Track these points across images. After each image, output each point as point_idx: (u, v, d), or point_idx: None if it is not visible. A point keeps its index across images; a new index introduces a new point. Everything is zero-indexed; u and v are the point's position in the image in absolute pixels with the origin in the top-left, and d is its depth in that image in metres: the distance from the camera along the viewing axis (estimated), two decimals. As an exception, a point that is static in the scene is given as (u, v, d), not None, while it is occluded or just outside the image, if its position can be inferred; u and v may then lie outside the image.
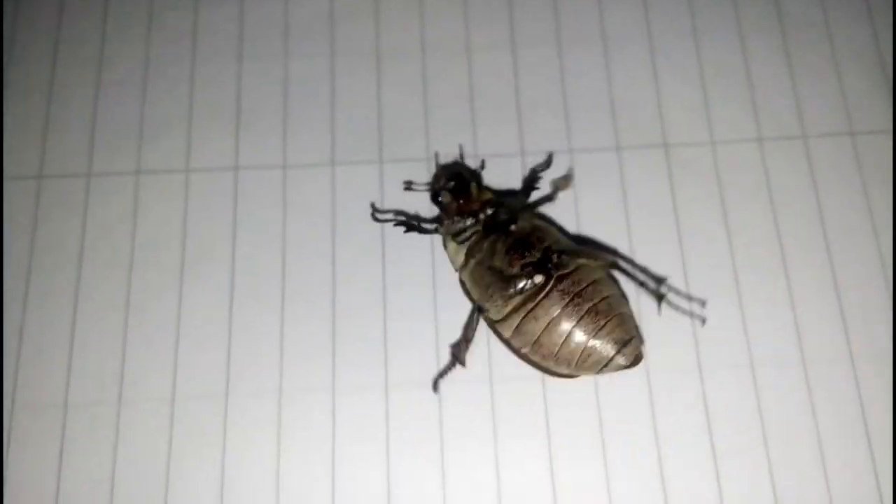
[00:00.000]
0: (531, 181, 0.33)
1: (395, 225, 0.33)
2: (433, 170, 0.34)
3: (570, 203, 0.34)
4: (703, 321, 0.32)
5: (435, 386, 0.31)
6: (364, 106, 0.36)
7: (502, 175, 0.34)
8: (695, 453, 0.31)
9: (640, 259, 0.33)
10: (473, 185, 0.32)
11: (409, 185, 0.34)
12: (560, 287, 0.29)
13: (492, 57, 0.37)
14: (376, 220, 0.34)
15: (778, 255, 0.33)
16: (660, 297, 0.32)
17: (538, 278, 0.29)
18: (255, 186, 0.35)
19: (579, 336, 0.29)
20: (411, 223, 0.33)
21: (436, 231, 0.32)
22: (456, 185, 0.32)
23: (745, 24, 0.37)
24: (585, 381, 0.31)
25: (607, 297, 0.29)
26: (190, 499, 0.30)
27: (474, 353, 0.31)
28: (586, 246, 0.32)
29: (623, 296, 0.31)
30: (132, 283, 0.33)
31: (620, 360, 0.29)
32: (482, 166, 0.34)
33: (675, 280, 0.33)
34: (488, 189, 0.33)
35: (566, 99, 0.36)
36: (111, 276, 0.33)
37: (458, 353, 0.31)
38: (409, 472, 0.31)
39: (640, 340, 0.30)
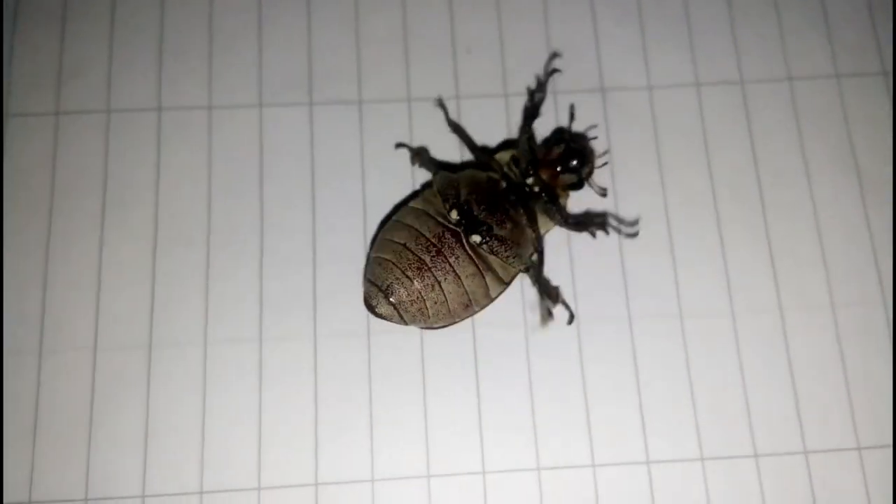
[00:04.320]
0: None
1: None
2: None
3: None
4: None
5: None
6: (293, 44, 0.35)
7: (434, 118, 0.34)
8: (622, 400, 0.31)
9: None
10: (565, 177, 0.31)
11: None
12: (448, 237, 0.29)
13: (427, -6, 0.36)
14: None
15: (710, 203, 0.33)
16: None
17: (454, 214, 0.29)
18: (179, 128, 0.33)
19: (397, 256, 0.29)
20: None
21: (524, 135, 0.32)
22: (572, 165, 0.31)
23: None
24: (514, 331, 0.31)
25: (444, 291, 0.29)
26: (113, 449, 0.30)
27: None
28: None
29: (450, 312, 0.29)
30: (52, 230, 0.32)
31: (375, 296, 0.29)
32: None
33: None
34: (567, 184, 0.31)
35: (503, 42, 0.35)
36: (30, 222, 0.32)
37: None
38: (335, 425, 0.30)
39: (396, 307, 0.29)
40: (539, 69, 0.34)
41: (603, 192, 0.31)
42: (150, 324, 0.31)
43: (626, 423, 0.31)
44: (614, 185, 0.33)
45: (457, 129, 0.33)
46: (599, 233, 0.32)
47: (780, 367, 0.31)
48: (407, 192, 0.33)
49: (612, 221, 0.33)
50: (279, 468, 0.30)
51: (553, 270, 0.32)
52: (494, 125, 0.34)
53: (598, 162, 0.32)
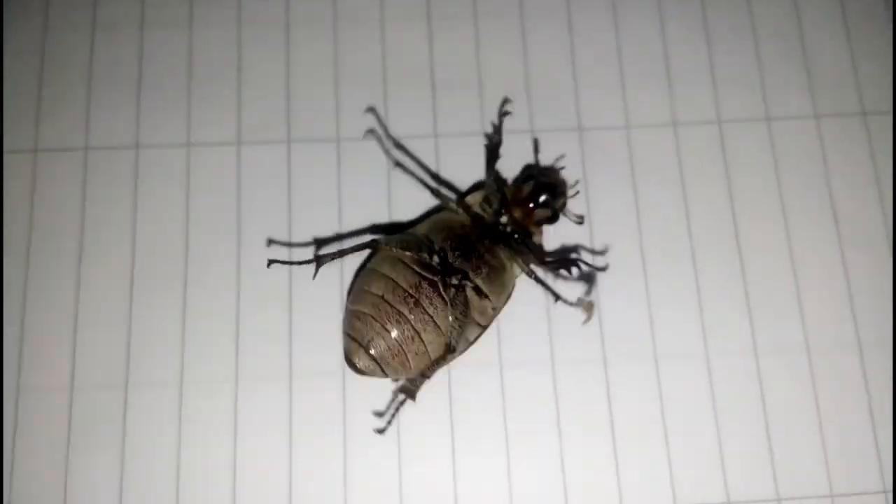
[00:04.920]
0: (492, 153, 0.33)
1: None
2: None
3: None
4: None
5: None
6: (272, 82, 0.35)
7: (411, 157, 0.34)
8: (597, 443, 0.31)
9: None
10: (539, 212, 0.31)
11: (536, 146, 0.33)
12: (425, 287, 0.29)
13: (406, 30, 0.35)
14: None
15: (686, 244, 0.33)
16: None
17: (435, 258, 0.29)
18: (157, 166, 0.33)
19: (375, 309, 0.29)
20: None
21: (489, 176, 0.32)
22: (543, 200, 0.31)
23: (666, 5, 0.36)
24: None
25: (424, 342, 0.29)
26: (88, 490, 0.30)
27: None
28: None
29: (431, 361, 0.29)
30: (29, 268, 0.32)
31: (356, 351, 0.29)
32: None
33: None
34: (543, 218, 0.31)
35: (481, 78, 0.35)
36: (7, 260, 0.32)
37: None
38: (310, 465, 0.30)
39: (377, 361, 0.29)
40: (518, 107, 0.34)
41: (580, 220, 0.31)
42: (126, 364, 0.31)
43: (600, 470, 0.31)
44: (591, 224, 0.33)
45: (437, 192, 0.32)
46: (575, 269, 0.32)
47: (754, 411, 0.31)
48: (383, 232, 0.33)
49: (585, 256, 0.33)
50: (252, 513, 0.30)
51: (529, 311, 0.32)
52: (473, 164, 0.34)
53: (571, 192, 0.32)
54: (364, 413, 0.31)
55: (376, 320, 0.29)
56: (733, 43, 0.36)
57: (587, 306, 0.31)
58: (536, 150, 0.32)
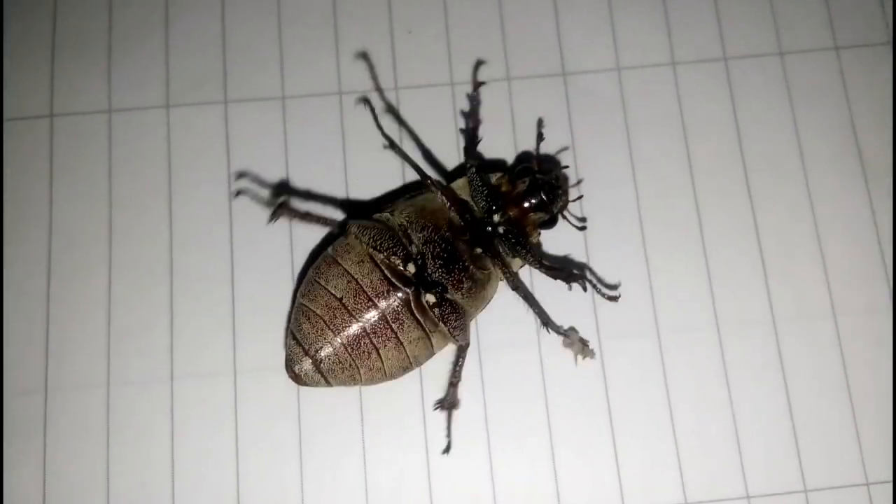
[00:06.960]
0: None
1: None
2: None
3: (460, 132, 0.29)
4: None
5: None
6: (206, 35, 0.30)
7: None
8: (589, 431, 0.27)
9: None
10: (535, 215, 0.26)
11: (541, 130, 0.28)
12: (393, 298, 0.24)
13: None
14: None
15: (690, 198, 0.29)
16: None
17: (411, 268, 0.24)
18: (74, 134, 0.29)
19: (330, 313, 0.24)
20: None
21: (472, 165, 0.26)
22: (539, 202, 0.26)
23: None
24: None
25: (381, 358, 0.24)
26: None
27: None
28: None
29: (386, 375, 0.25)
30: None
31: (300, 360, 0.25)
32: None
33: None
34: (539, 222, 0.26)
35: (448, 20, 0.30)
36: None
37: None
38: (259, 468, 0.26)
39: (324, 374, 0.25)
40: (493, 51, 0.30)
41: (582, 226, 0.27)
42: (45, 366, 0.27)
43: (592, 462, 0.27)
44: (581, 177, 0.29)
45: (393, 144, 0.27)
46: (577, 285, 0.27)
47: (774, 389, 0.27)
48: (341, 208, 0.29)
49: (591, 277, 0.28)
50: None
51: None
52: (439, 120, 0.29)
53: (573, 194, 0.28)
54: (321, 424, 0.27)
55: (329, 328, 0.24)
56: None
57: (580, 347, 0.27)
58: (540, 136, 0.27)
